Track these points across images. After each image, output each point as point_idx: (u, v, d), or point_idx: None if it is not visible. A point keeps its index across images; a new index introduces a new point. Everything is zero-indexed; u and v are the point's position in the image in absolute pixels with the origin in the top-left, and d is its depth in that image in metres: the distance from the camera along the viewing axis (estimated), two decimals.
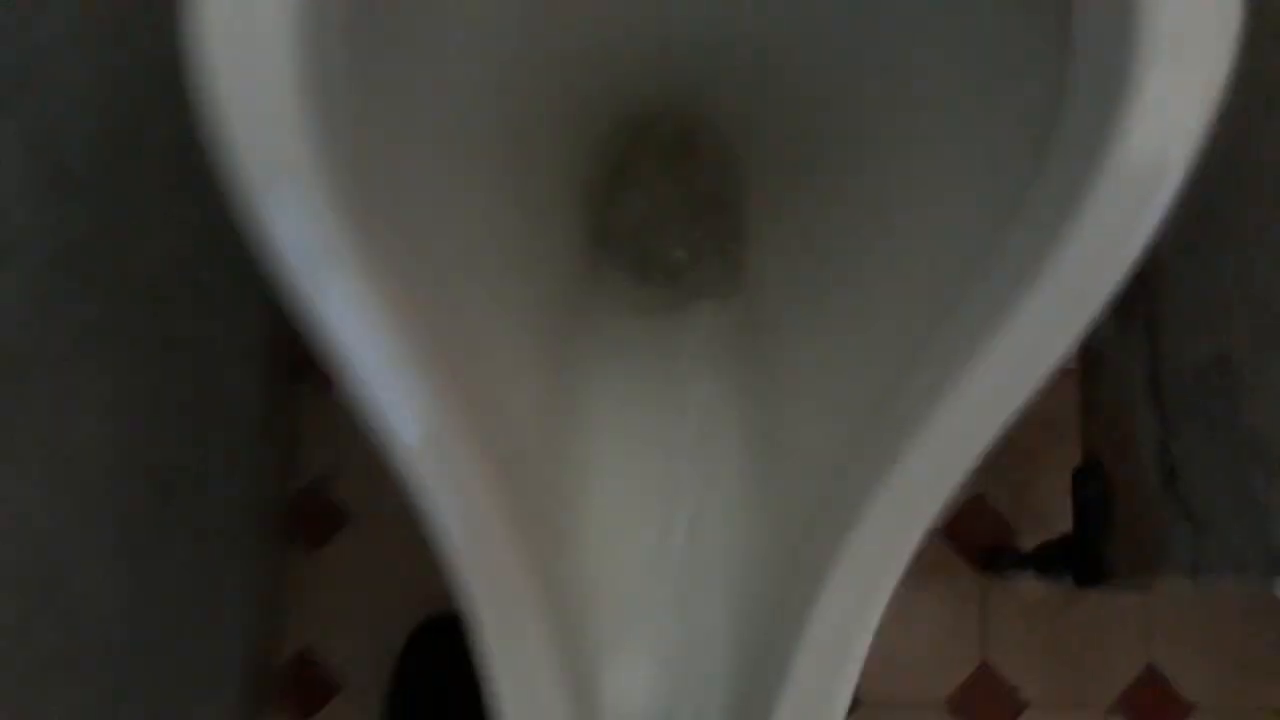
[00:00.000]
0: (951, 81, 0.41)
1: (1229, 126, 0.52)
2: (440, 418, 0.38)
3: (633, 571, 0.50)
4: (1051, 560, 0.71)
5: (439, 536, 0.40)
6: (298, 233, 0.31)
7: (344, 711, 0.83)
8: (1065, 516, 0.66)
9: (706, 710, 0.47)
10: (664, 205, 0.64)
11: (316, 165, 0.30)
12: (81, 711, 0.53)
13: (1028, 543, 0.80)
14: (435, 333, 0.38)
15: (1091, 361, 0.69)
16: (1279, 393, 0.49)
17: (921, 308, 0.39)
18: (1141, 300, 0.61)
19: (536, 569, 0.42)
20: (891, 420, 0.38)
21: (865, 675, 0.85)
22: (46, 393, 0.47)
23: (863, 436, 0.41)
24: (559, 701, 0.41)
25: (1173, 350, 0.57)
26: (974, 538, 0.85)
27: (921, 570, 0.83)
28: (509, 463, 0.43)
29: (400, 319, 0.35)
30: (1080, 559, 0.66)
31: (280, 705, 0.82)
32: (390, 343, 0.35)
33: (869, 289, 0.46)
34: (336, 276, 0.32)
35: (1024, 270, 0.34)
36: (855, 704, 0.42)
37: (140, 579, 0.58)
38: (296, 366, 0.84)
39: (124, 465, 0.55)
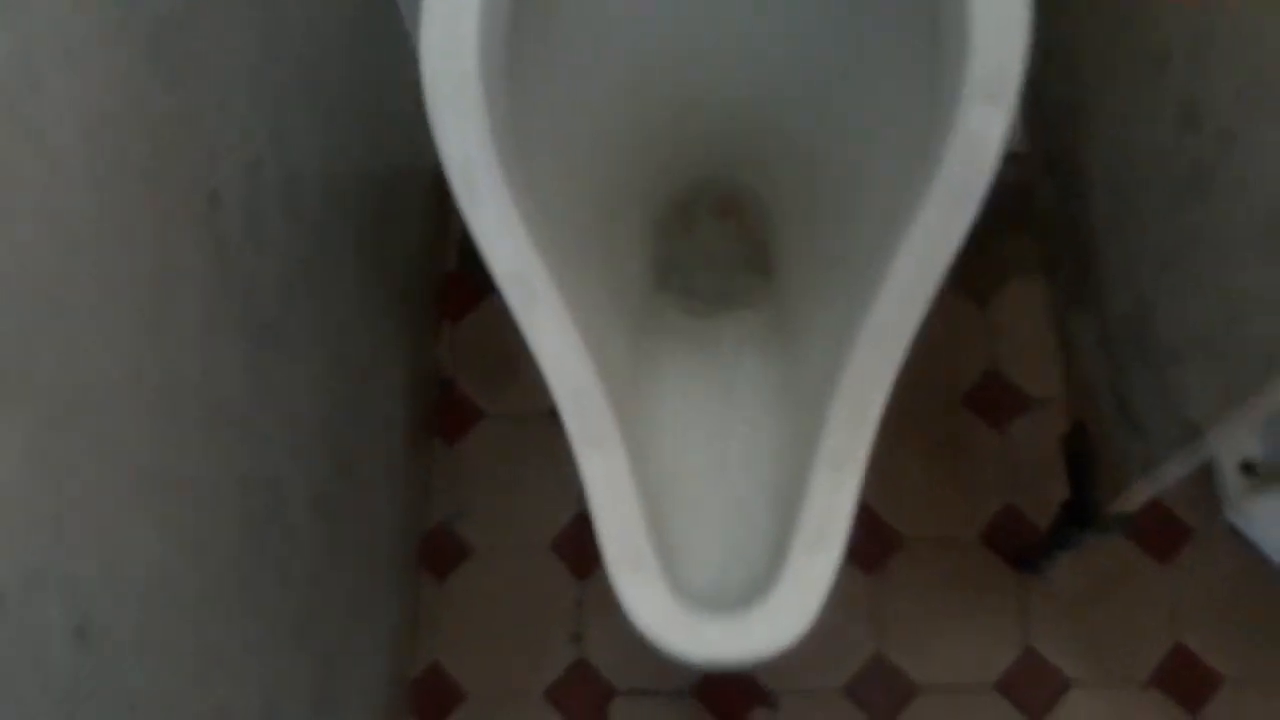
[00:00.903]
0: (884, 107, 0.62)
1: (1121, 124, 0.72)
2: (565, 320, 0.57)
3: (694, 474, 0.67)
4: (1060, 528, 0.84)
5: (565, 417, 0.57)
6: (464, 149, 0.52)
7: (469, 717, 0.96)
8: None
9: (755, 562, 0.62)
10: (713, 245, 0.85)
11: (483, 120, 0.52)
12: (275, 625, 0.69)
13: None
14: (559, 267, 0.58)
15: (1067, 347, 0.85)
16: (1171, 309, 0.65)
17: (874, 240, 0.58)
18: (1089, 283, 0.78)
19: (629, 448, 0.59)
20: (861, 306, 0.56)
21: (918, 664, 0.97)
22: (285, 358, 0.68)
23: (845, 334, 0.59)
24: (650, 549, 0.57)
25: (1110, 308, 0.74)
26: (1009, 544, 0.97)
27: (966, 577, 0.96)
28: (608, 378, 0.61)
29: (532, 237, 0.55)
30: (1075, 506, 0.79)
31: (413, 711, 0.96)
32: (529, 253, 0.55)
33: (843, 251, 0.65)
34: (486, 190, 0.53)
35: (925, 182, 0.53)
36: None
37: (326, 535, 0.76)
38: (430, 424, 1.04)
39: (321, 434, 0.74)
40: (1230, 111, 0.58)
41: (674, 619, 0.53)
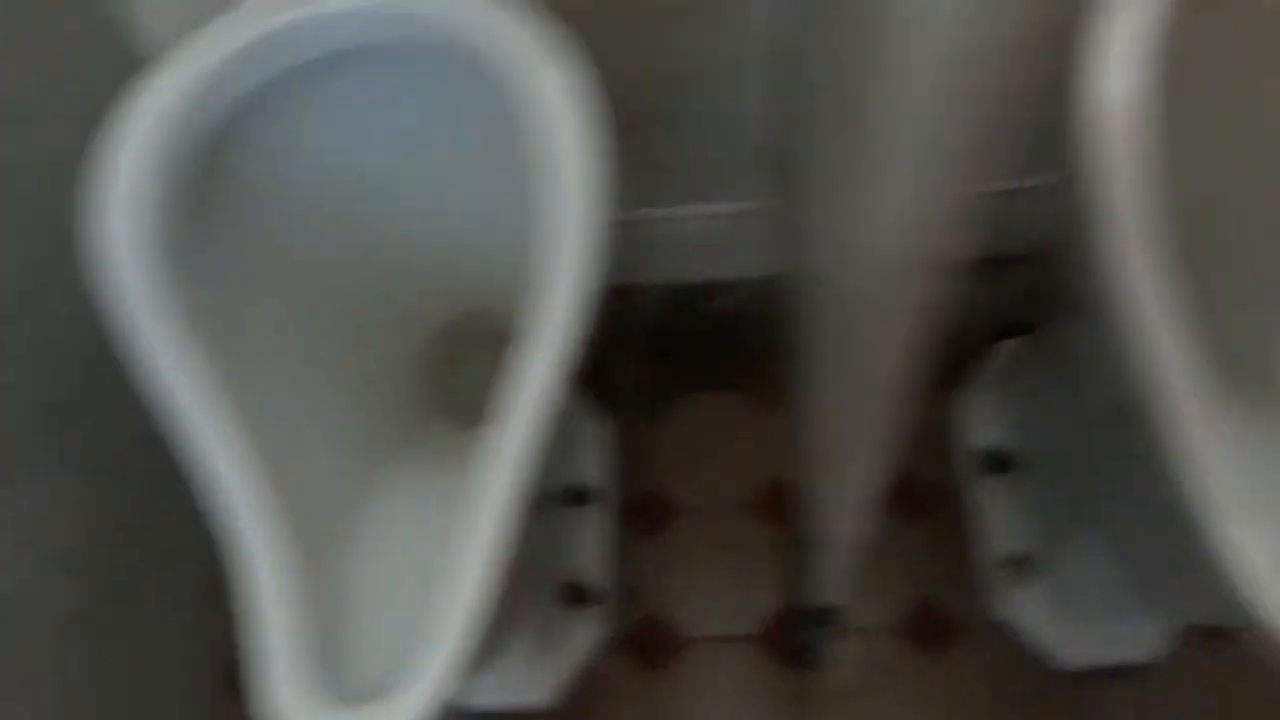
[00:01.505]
0: None
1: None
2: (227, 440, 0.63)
3: (397, 580, 0.72)
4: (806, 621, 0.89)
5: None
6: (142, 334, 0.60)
7: None
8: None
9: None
10: (482, 369, 0.92)
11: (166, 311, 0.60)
12: None
13: None
14: (254, 425, 0.65)
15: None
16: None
17: None
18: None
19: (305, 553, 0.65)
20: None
21: None
22: (35, 488, 0.74)
23: None
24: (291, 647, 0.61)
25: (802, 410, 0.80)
26: (787, 643, 1.01)
27: (747, 676, 0.99)
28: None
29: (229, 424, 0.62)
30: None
31: None
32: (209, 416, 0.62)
33: None
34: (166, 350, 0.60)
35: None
36: None
37: (87, 656, 0.81)
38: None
39: (84, 558, 0.80)
40: None
41: (293, 711, 0.58)
